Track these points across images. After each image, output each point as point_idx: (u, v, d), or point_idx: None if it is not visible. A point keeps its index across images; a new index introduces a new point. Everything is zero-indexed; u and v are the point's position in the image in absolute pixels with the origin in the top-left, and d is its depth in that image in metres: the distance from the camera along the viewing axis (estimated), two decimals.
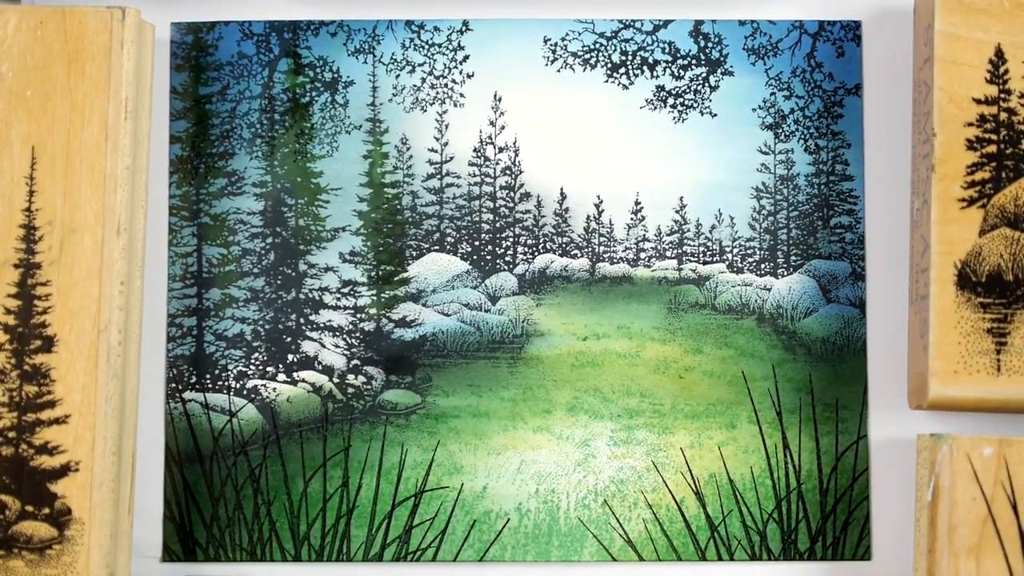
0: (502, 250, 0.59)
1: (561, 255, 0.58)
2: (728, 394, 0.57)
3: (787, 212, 0.59)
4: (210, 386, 0.58)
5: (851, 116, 0.58)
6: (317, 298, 0.58)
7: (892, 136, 0.58)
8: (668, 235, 0.58)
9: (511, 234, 0.59)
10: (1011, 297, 0.53)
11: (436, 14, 0.59)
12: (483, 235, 0.59)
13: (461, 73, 0.59)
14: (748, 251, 0.58)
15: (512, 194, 0.59)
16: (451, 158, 0.58)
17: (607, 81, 0.58)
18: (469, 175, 0.58)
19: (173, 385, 0.58)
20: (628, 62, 0.58)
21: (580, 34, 0.58)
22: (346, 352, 0.58)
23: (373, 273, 0.59)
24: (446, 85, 0.59)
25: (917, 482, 0.54)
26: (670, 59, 0.59)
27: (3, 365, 0.53)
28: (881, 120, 0.58)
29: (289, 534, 0.56)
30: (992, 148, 0.53)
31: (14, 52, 0.54)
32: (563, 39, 0.58)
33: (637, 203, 0.58)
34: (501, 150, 0.58)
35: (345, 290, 0.58)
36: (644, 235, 0.59)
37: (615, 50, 0.59)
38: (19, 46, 0.54)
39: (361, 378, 0.58)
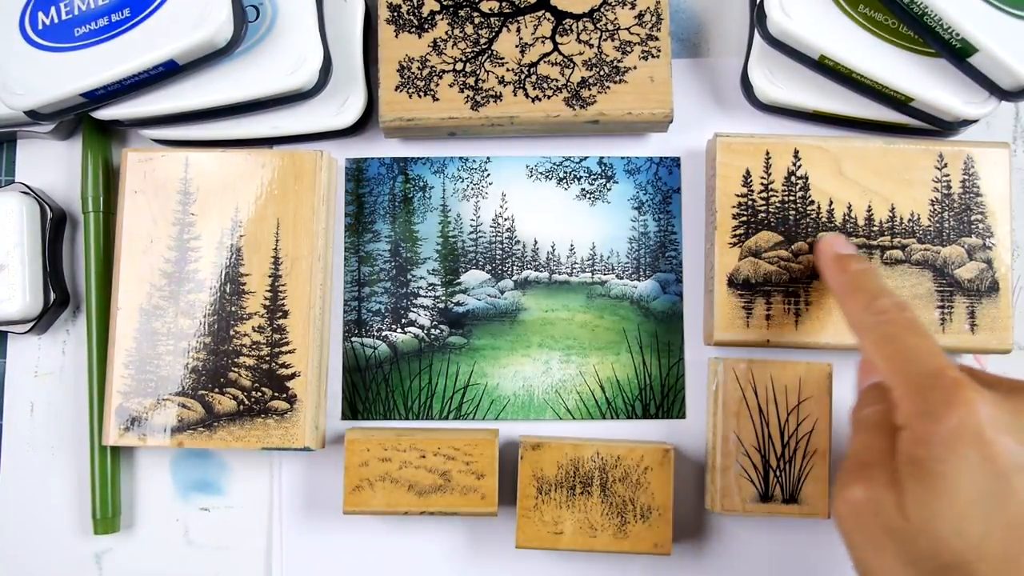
0: (506, 268, 0.67)
1: (534, 271, 0.67)
2: (617, 338, 0.67)
3: (645, 250, 0.68)
4: (364, 334, 0.67)
5: (676, 203, 0.68)
6: (416, 292, 0.67)
7: (695, 212, 0.68)
8: (587, 261, 0.67)
9: (511, 260, 0.67)
10: (752, 292, 0.64)
11: (474, 153, 0.68)
12: (496, 261, 0.67)
13: (486, 182, 0.68)
14: (626, 269, 0.67)
15: (511, 241, 0.67)
16: (481, 223, 0.67)
17: (557, 186, 0.68)
18: (490, 232, 0.67)
19: (346, 333, 0.68)
20: (567, 176, 0.68)
21: (544, 163, 0.68)
22: (430, 318, 0.67)
23: (443, 279, 0.67)
24: (479, 188, 0.68)
25: (708, 380, 0.65)
26: (587, 175, 0.68)
27: (263, 325, 0.63)
28: (690, 205, 0.68)
29: (402, 406, 0.67)
30: (744, 218, 0.64)
31: (268, 171, 0.64)
32: (536, 166, 0.68)
33: (571, 246, 0.67)
34: (506, 219, 0.68)
35: (429, 288, 0.68)
36: (575, 261, 0.67)
37: (561, 171, 0.68)
38: (271, 167, 0.64)
39: (437, 331, 0.67)
